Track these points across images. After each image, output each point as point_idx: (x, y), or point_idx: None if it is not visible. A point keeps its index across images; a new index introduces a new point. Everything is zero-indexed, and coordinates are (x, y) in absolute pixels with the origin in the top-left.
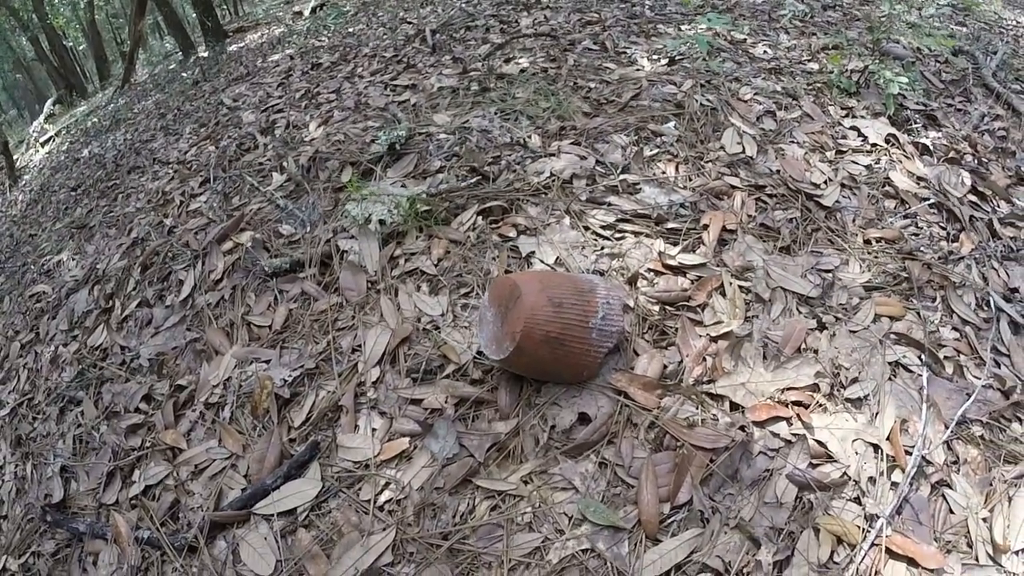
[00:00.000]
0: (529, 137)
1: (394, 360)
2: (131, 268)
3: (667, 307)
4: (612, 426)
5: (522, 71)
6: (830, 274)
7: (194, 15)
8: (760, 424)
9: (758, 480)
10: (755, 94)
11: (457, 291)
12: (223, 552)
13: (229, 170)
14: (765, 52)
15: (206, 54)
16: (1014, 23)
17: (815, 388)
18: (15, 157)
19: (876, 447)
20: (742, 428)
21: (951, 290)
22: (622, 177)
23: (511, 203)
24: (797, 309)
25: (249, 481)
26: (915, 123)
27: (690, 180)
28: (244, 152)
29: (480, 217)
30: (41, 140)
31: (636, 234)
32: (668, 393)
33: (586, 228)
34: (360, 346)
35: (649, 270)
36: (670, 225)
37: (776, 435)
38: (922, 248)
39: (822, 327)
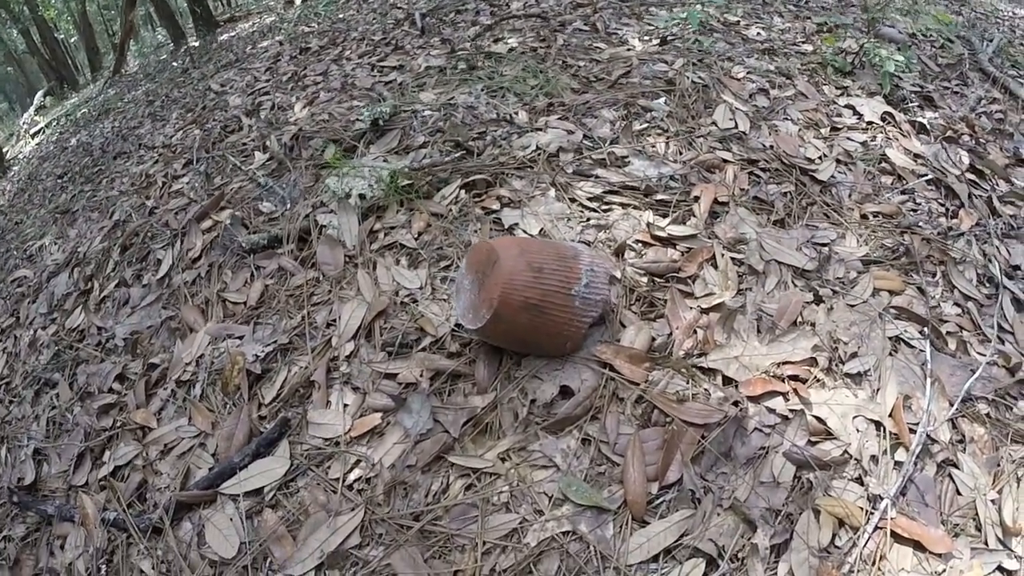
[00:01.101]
0: (516, 113)
1: (369, 334)
2: (111, 250)
3: (655, 279)
4: (596, 400)
5: (511, 51)
6: (826, 248)
7: (185, 5)
8: (755, 399)
9: (753, 458)
10: (748, 73)
11: (437, 264)
12: (188, 534)
13: (212, 151)
14: (759, 34)
15: (196, 43)
16: (1010, 13)
17: (813, 362)
18: (4, 149)
19: (878, 424)
20: (735, 403)
21: (952, 266)
22: (610, 150)
23: (495, 176)
24: (792, 282)
25: (217, 460)
26: (911, 103)
27: (680, 154)
28: (228, 134)
29: (463, 191)
30: (31, 132)
31: (624, 206)
32: (657, 367)
33: (572, 200)
34: (335, 320)
35: (637, 241)
36: (659, 197)
37: (772, 411)
38: (921, 223)
39: (819, 300)
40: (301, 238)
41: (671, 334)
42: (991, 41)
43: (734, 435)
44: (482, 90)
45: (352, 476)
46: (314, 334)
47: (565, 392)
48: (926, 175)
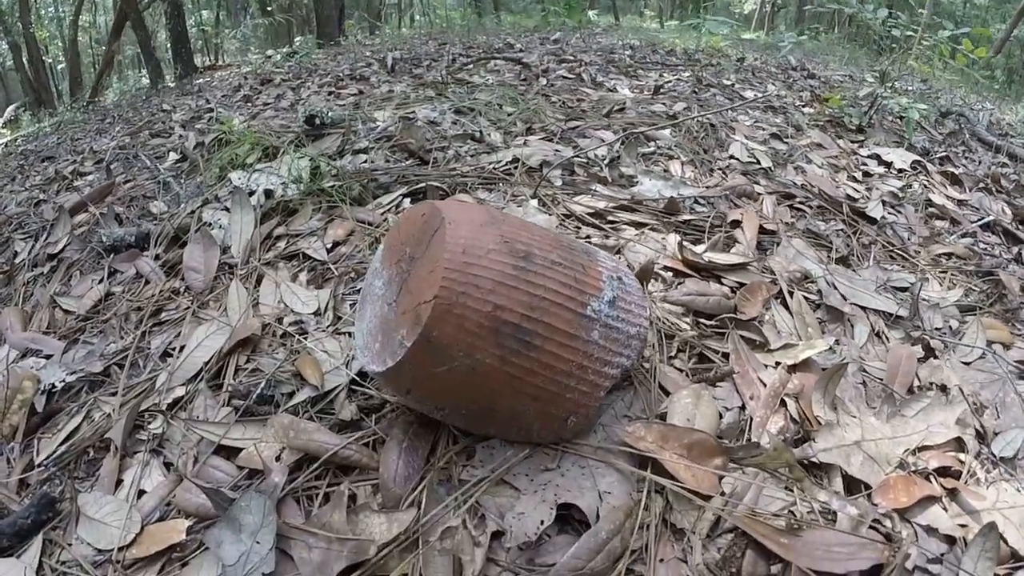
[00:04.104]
0: (488, 134)
1: (220, 373)
2: None
3: (702, 321)
4: (629, 535)
5: (487, 84)
6: (907, 292)
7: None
8: (902, 514)
9: None
10: (755, 123)
11: (351, 283)
12: None
13: (128, 151)
14: (756, 96)
15: (173, 85)
16: (981, 106)
17: (959, 445)
18: None
19: None
20: (882, 532)
21: None
22: (611, 169)
23: (455, 188)
24: (886, 333)
25: None
26: (935, 156)
27: (701, 179)
28: (153, 137)
29: (409, 200)
30: None
31: (638, 225)
32: (735, 465)
33: (567, 215)
34: (177, 348)
35: (666, 268)
36: (685, 218)
37: (933, 530)
38: (1001, 267)
39: (930, 354)
40: (176, 238)
41: (744, 407)
42: (980, 114)
43: None
44: (449, 108)
45: None
46: (140, 365)
47: (568, 520)
48: (981, 219)
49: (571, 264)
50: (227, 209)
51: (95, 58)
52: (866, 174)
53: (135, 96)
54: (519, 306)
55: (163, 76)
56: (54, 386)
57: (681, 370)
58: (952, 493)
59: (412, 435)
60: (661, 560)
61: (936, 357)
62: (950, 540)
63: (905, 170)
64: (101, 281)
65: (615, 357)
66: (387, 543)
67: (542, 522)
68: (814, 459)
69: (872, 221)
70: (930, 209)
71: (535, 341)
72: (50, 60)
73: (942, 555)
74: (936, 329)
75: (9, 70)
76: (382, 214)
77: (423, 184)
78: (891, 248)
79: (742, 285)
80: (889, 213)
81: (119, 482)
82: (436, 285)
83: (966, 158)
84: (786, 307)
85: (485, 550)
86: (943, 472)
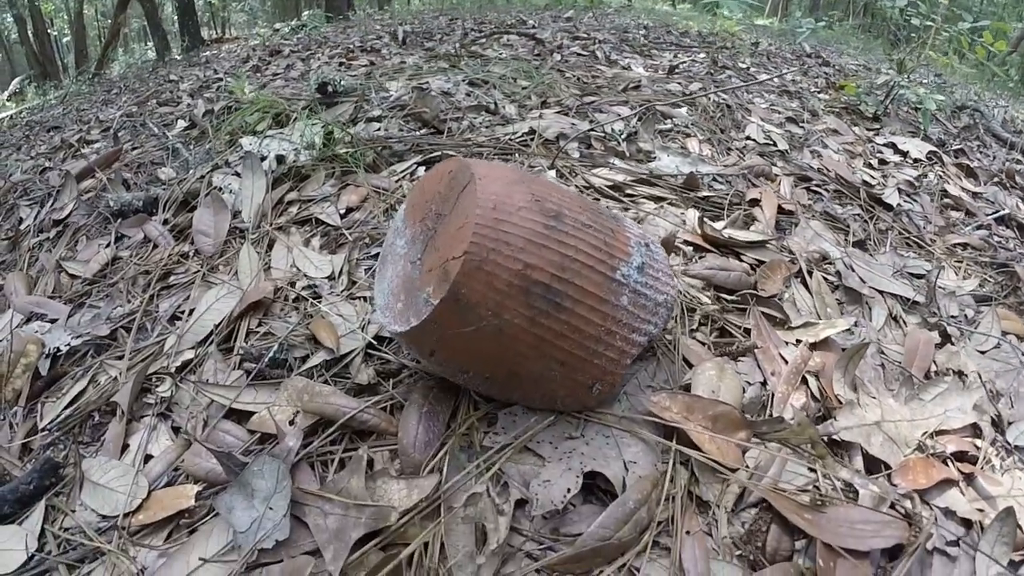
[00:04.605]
0: (502, 106)
1: (230, 339)
2: None
3: (723, 295)
4: (656, 507)
5: (500, 58)
6: (923, 279)
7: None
8: (922, 495)
9: None
10: (771, 106)
11: (365, 248)
12: None
13: (135, 119)
14: (771, 80)
15: (179, 57)
16: (995, 102)
17: (975, 431)
18: None
19: None
20: (902, 512)
21: None
22: (629, 143)
23: (470, 157)
24: (903, 317)
25: None
26: (950, 148)
27: (719, 157)
28: (161, 106)
29: (423, 168)
30: None
31: (657, 199)
32: (758, 439)
33: (586, 187)
34: (186, 312)
35: (686, 242)
36: (704, 194)
37: (951, 513)
38: (1015, 260)
39: (947, 339)
40: (185, 202)
41: (765, 382)
42: (995, 110)
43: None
44: (463, 80)
45: None
46: (148, 328)
47: (591, 489)
48: (995, 212)
49: (600, 227)
50: (237, 174)
51: (101, 31)
52: (882, 162)
53: (141, 68)
54: (550, 266)
55: (169, 48)
56: (58, 350)
57: (703, 343)
58: (969, 478)
59: (432, 400)
60: (687, 532)
61: (953, 344)
62: (967, 523)
63: (921, 160)
64: (108, 246)
65: (643, 324)
66: (408, 510)
67: (568, 490)
68: (836, 437)
69: (888, 208)
70: (945, 200)
71: (565, 303)
72: (55, 33)
73: (959, 538)
74: (952, 317)
75: (14, 43)
76: (396, 181)
77: (438, 153)
78: (907, 235)
79: (761, 263)
80: (905, 201)
81: (125, 447)
82: (466, 241)
83: (980, 152)
84: (805, 286)
85: (509, 518)
86: (960, 457)
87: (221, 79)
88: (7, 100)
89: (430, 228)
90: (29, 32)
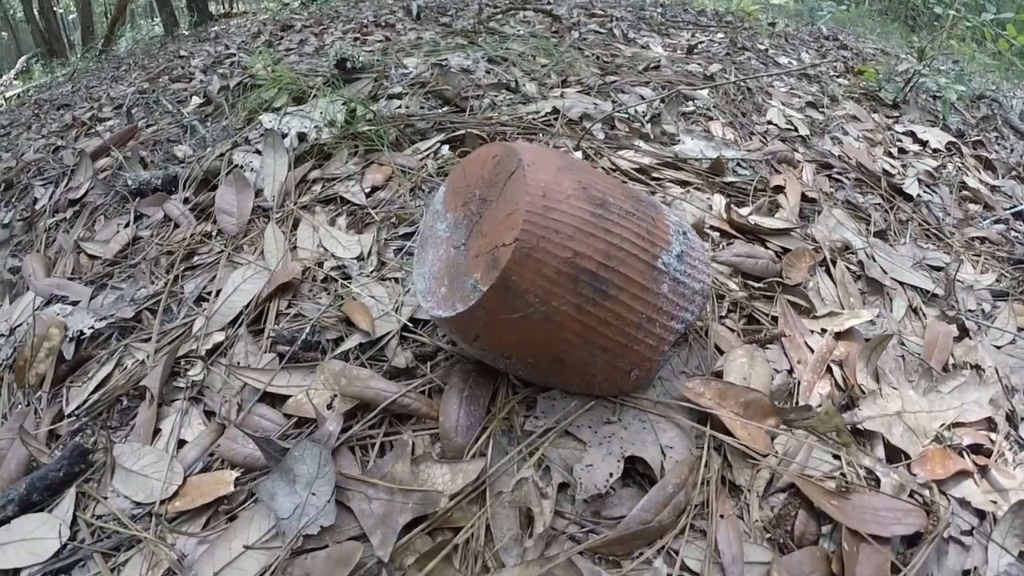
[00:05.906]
0: (523, 84)
1: (260, 320)
2: None
3: (751, 283)
4: (691, 491)
5: (518, 34)
6: (941, 272)
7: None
8: (939, 485)
9: None
10: (791, 90)
11: (393, 229)
12: None
13: (148, 96)
14: (790, 63)
15: (187, 33)
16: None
17: (990, 425)
18: None
19: None
20: (922, 501)
21: None
22: (654, 125)
23: (494, 136)
24: (923, 309)
25: None
26: (969, 139)
27: (742, 141)
28: (174, 82)
29: (447, 147)
30: (5, 94)
31: (683, 184)
32: (787, 426)
33: (613, 169)
34: (212, 293)
35: (713, 227)
36: (729, 179)
37: (967, 503)
38: None
39: (964, 333)
40: (206, 180)
41: (791, 370)
42: (1014, 101)
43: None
44: (482, 57)
45: None
46: (174, 310)
47: (629, 473)
48: (1013, 207)
49: (643, 216)
50: (258, 152)
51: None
52: (901, 151)
53: (149, 44)
54: (597, 254)
55: (177, 24)
56: (82, 333)
57: (733, 330)
58: (983, 470)
59: (472, 384)
60: (721, 516)
61: (970, 338)
62: (980, 514)
63: (940, 150)
64: (127, 225)
65: (680, 312)
66: (455, 494)
67: (611, 475)
68: (860, 426)
69: (908, 198)
70: (964, 192)
71: (610, 291)
72: (61, 10)
73: (973, 528)
74: (969, 311)
75: (20, 21)
76: (420, 160)
77: (461, 131)
78: (927, 227)
79: (786, 250)
80: (924, 192)
81: (156, 432)
82: (516, 228)
83: (998, 144)
84: (829, 275)
85: (553, 502)
86: (975, 449)
87: (233, 55)
88: (14, 79)
89: (474, 213)
90: (35, 10)
